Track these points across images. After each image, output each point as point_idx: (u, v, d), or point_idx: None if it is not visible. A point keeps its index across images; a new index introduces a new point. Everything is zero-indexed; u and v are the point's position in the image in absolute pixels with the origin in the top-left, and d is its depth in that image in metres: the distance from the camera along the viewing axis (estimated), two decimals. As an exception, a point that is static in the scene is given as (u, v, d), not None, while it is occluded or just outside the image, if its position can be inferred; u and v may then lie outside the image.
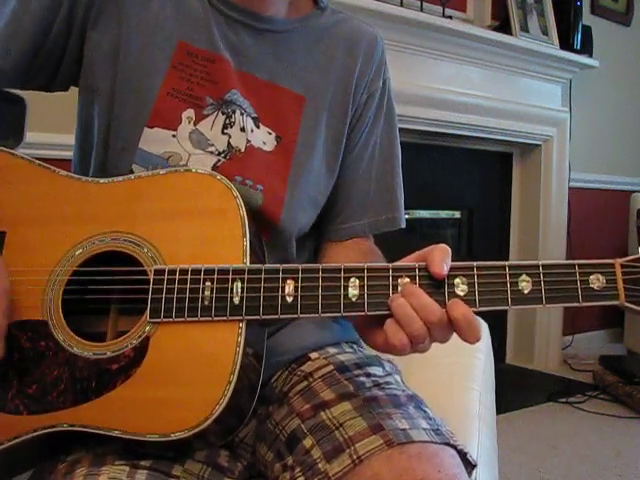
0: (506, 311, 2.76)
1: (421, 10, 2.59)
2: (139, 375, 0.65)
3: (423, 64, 2.61)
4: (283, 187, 0.83)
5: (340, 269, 0.65)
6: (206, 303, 0.66)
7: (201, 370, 0.65)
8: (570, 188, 3.22)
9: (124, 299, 0.71)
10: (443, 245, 0.64)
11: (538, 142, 3.13)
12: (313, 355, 0.83)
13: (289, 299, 0.65)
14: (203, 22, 0.83)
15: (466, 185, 3.09)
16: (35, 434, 0.65)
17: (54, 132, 1.76)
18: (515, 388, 2.85)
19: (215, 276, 0.66)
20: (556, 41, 2.99)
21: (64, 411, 0.65)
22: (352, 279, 0.65)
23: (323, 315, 0.65)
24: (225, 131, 0.82)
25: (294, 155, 0.85)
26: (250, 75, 0.84)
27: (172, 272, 0.67)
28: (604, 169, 3.52)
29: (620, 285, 0.62)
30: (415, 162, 2.73)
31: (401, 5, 2.51)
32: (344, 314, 0.65)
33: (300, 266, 0.66)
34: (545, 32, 2.97)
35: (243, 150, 0.82)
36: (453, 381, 1.03)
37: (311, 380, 0.79)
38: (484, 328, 1.05)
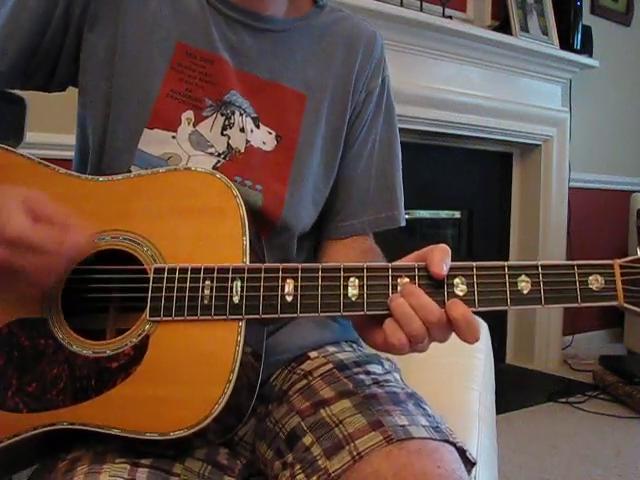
0: (506, 311, 2.76)
1: (421, 10, 2.59)
2: (139, 373, 0.65)
3: (423, 64, 2.61)
4: (283, 187, 0.83)
5: (340, 269, 0.65)
6: (206, 302, 0.66)
7: (201, 369, 0.65)
8: (570, 188, 3.22)
9: (124, 297, 0.71)
10: (443, 245, 0.64)
11: (538, 142, 3.13)
12: (312, 354, 0.83)
13: (289, 298, 0.65)
14: (201, 22, 0.83)
15: (466, 185, 3.09)
16: (35, 432, 0.65)
17: (54, 132, 1.76)
18: (515, 388, 2.85)
19: (215, 275, 0.66)
20: (556, 41, 2.99)
21: (64, 409, 0.65)
22: (352, 279, 0.65)
23: (322, 315, 0.65)
24: (224, 132, 0.82)
25: (295, 154, 0.85)
26: (251, 75, 0.85)
27: (172, 271, 0.67)
28: (604, 169, 3.52)
29: (619, 286, 0.62)
30: (415, 162, 2.73)
31: (401, 5, 2.51)
32: (344, 314, 0.65)
33: (300, 265, 0.66)
34: (545, 32, 2.97)
35: (243, 151, 0.82)
36: (453, 381, 1.03)
37: (311, 378, 0.79)
38: (484, 328, 1.05)
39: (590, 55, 3.17)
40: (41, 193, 0.65)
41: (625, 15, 3.62)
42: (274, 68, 0.86)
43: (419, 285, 0.64)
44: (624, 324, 3.21)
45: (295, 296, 0.65)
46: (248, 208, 0.71)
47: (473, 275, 0.63)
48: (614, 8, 3.55)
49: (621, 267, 0.63)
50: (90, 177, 0.75)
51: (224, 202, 0.70)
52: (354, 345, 0.88)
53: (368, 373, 0.78)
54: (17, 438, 0.65)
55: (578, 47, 3.07)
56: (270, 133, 0.84)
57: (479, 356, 1.07)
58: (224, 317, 0.65)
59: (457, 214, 3.17)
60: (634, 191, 3.19)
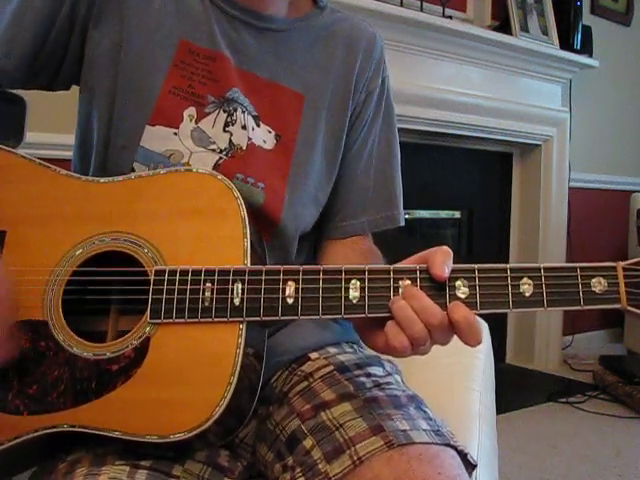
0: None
1: (421, 10, 2.58)
2: (139, 376, 0.65)
3: (423, 64, 2.61)
4: (283, 186, 0.83)
5: (341, 271, 0.65)
6: (206, 304, 0.65)
7: (201, 371, 0.64)
8: (570, 188, 3.22)
9: (124, 299, 0.71)
10: (445, 247, 0.64)
11: (538, 142, 3.13)
12: (313, 355, 0.83)
13: (290, 300, 0.65)
14: (204, 20, 0.83)
15: (466, 185, 3.09)
16: (35, 434, 0.64)
17: (54, 132, 1.76)
18: (515, 388, 2.85)
19: (215, 277, 0.66)
20: (556, 41, 2.99)
21: (64, 412, 0.65)
22: (353, 281, 0.64)
23: (323, 317, 0.64)
24: (227, 129, 0.82)
25: (294, 154, 0.85)
26: (250, 73, 0.85)
27: (172, 273, 0.67)
28: (604, 169, 3.52)
29: (622, 289, 0.62)
30: (415, 162, 2.73)
31: (401, 5, 2.50)
32: (345, 316, 0.64)
33: (301, 267, 0.66)
34: (545, 32, 2.97)
35: (244, 148, 0.82)
36: (453, 381, 1.03)
37: (311, 380, 0.79)
38: (484, 329, 1.05)
39: (590, 55, 3.16)
40: None
41: (625, 15, 3.62)
42: (273, 68, 0.86)
43: (421, 287, 0.63)
44: (624, 324, 3.22)
45: (296, 298, 0.65)
46: (249, 208, 0.71)
47: (475, 277, 0.63)
48: (614, 8, 3.55)
49: (624, 269, 0.62)
50: (91, 178, 0.75)
51: (225, 203, 0.70)
52: (355, 346, 0.88)
53: (369, 375, 0.78)
54: (18, 440, 0.65)
55: (578, 47, 3.07)
56: (270, 132, 0.84)
57: (479, 356, 1.07)
58: (225, 319, 0.65)
59: (457, 214, 3.17)
60: (634, 191, 3.19)
